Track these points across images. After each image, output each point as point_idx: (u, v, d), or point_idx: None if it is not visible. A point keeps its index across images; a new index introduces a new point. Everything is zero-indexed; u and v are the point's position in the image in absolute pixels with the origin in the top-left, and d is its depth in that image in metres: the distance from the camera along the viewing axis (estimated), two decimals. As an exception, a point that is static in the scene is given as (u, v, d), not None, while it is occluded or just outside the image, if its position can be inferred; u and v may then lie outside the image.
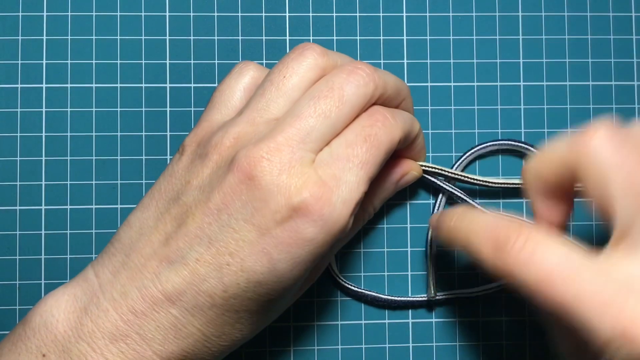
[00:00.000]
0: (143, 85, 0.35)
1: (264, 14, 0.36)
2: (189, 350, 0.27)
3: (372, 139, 0.28)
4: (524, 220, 0.29)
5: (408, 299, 0.35)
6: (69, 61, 0.35)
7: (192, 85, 0.36)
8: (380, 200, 0.33)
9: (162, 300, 0.26)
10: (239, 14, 0.36)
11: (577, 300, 0.23)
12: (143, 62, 0.35)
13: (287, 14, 0.36)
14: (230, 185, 0.26)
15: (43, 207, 0.35)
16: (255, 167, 0.26)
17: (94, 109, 0.35)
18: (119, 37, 0.35)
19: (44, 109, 0.35)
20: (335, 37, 0.36)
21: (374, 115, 0.29)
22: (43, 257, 0.35)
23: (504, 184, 0.35)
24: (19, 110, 0.35)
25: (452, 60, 0.36)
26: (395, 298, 0.35)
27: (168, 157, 0.35)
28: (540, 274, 0.24)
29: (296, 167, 0.26)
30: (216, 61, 0.36)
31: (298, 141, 0.27)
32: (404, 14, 0.36)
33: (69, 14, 0.35)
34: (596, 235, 0.36)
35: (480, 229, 0.27)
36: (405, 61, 0.36)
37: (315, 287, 0.35)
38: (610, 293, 0.23)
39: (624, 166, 0.25)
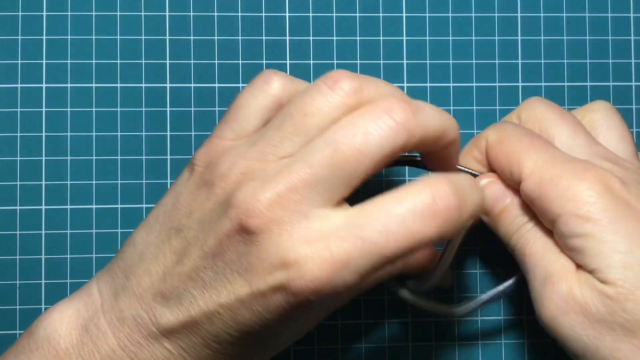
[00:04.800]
0: (143, 85, 0.35)
1: (264, 14, 0.36)
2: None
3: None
4: None
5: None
6: (68, 61, 0.35)
7: (192, 85, 0.36)
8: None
9: (156, 333, 0.26)
10: (239, 14, 0.36)
11: None
12: (143, 62, 0.35)
13: (287, 14, 0.36)
14: (226, 233, 0.25)
15: (43, 207, 0.35)
16: (253, 220, 0.24)
17: (94, 109, 0.35)
18: (119, 37, 0.35)
19: (44, 109, 0.35)
20: (335, 38, 0.36)
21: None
22: (43, 257, 0.35)
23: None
24: (19, 110, 0.35)
25: (451, 61, 0.36)
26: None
27: (168, 157, 0.35)
28: None
29: (299, 224, 0.24)
30: (216, 61, 0.36)
31: (304, 193, 0.24)
32: (404, 14, 0.36)
33: (69, 13, 0.35)
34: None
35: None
36: (405, 61, 0.36)
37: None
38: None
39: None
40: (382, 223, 0.24)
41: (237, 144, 0.27)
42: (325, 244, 0.24)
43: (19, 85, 0.35)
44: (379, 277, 0.25)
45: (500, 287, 0.31)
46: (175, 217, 0.27)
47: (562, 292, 0.27)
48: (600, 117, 0.31)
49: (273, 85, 0.28)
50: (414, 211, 0.24)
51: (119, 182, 0.35)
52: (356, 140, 0.24)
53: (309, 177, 0.24)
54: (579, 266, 0.27)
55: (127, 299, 0.27)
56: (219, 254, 0.25)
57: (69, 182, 0.35)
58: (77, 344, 0.27)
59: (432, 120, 0.26)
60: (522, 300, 0.36)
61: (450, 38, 0.36)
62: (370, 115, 0.24)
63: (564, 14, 0.37)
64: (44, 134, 0.35)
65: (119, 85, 0.35)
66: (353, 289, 0.24)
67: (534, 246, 0.29)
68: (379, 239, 0.24)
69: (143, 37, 0.36)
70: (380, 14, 0.36)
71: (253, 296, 0.24)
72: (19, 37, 0.35)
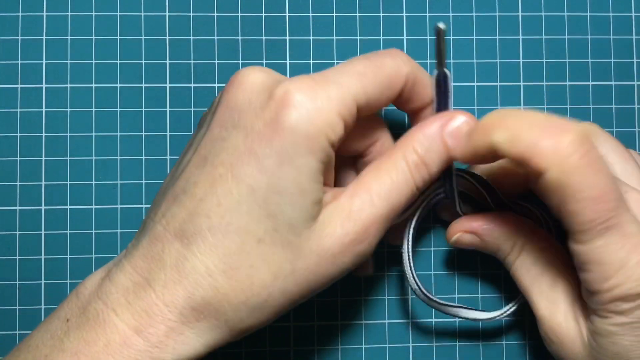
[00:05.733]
0: (143, 85, 0.35)
1: (264, 14, 0.36)
2: (192, 289, 0.26)
3: (376, 61, 0.28)
4: None
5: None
6: (68, 61, 0.35)
7: (192, 85, 0.36)
8: (428, 150, 0.28)
9: (166, 237, 0.26)
10: (239, 14, 0.36)
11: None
12: (143, 62, 0.35)
13: (287, 14, 0.36)
14: (221, 100, 0.27)
15: (43, 207, 0.35)
16: (242, 75, 0.27)
17: (94, 109, 0.35)
18: (118, 37, 0.35)
19: (44, 109, 0.35)
20: (335, 37, 0.36)
21: (388, 51, 0.29)
22: (43, 257, 0.35)
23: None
24: (19, 110, 0.35)
25: (452, 60, 0.36)
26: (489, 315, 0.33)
27: (168, 157, 0.35)
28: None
29: (285, 77, 0.27)
30: (216, 61, 0.36)
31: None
32: (404, 14, 0.36)
33: (69, 14, 0.35)
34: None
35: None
36: (405, 61, 0.36)
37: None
38: None
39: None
40: (349, 60, 0.29)
41: None
42: (308, 74, 0.27)
43: (19, 86, 0.35)
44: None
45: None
46: (197, 138, 0.29)
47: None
48: (600, 144, 0.31)
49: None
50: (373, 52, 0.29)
51: (119, 182, 0.35)
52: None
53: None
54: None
55: (145, 227, 0.27)
56: (218, 122, 0.27)
57: (68, 182, 0.35)
58: (97, 288, 0.27)
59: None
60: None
61: (451, 37, 0.36)
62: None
63: (565, 13, 0.37)
64: (44, 134, 0.35)
65: (119, 85, 0.35)
66: (345, 105, 0.27)
67: (520, 283, 0.31)
68: (347, 65, 0.28)
69: (143, 37, 0.36)
70: (380, 14, 0.36)
71: (247, 137, 0.26)
72: (19, 37, 0.35)
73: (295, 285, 0.27)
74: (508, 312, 0.33)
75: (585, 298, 0.28)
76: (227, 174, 0.26)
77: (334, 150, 0.27)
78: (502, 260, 0.32)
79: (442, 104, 0.30)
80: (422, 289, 0.32)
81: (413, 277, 0.32)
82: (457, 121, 0.28)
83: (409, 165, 0.28)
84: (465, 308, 0.33)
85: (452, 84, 0.29)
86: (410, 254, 0.31)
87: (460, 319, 0.35)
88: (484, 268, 0.36)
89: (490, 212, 0.32)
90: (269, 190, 0.26)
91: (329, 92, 0.26)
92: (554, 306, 0.30)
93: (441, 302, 0.32)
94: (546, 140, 0.25)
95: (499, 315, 0.33)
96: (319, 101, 0.26)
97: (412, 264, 0.31)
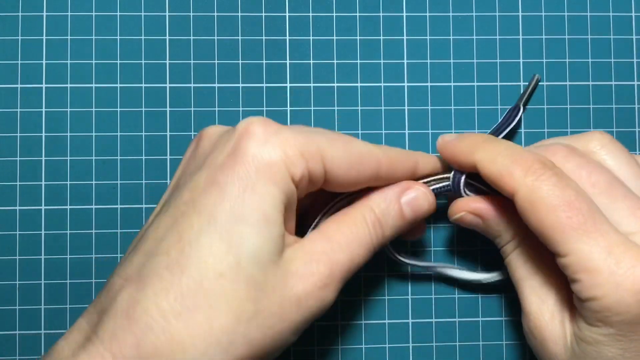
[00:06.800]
0: (143, 85, 0.35)
1: (263, 14, 0.36)
2: (142, 335, 0.23)
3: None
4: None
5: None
6: (68, 61, 0.35)
7: (192, 85, 0.36)
8: (385, 214, 0.30)
9: (121, 284, 0.25)
10: (239, 14, 0.36)
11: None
12: (143, 62, 0.35)
13: (287, 14, 0.36)
14: (188, 153, 0.29)
15: (43, 207, 0.35)
16: (204, 129, 0.29)
17: (94, 109, 0.35)
18: (118, 37, 0.35)
19: (43, 109, 0.35)
20: (335, 37, 0.36)
21: None
22: (43, 257, 0.35)
23: None
24: (19, 110, 0.35)
25: (452, 60, 0.36)
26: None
27: (168, 157, 0.35)
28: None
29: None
30: (216, 61, 0.36)
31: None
32: (404, 14, 0.36)
33: (69, 14, 0.35)
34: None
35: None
36: (405, 61, 0.36)
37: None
38: None
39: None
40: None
41: None
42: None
43: (19, 86, 0.35)
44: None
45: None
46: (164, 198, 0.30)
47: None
48: (601, 147, 0.31)
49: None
50: None
51: (119, 182, 0.35)
52: None
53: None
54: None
55: (104, 287, 0.26)
56: (186, 166, 0.29)
57: (68, 182, 0.35)
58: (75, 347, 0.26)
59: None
60: (522, 301, 0.35)
61: (451, 37, 0.36)
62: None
63: (565, 13, 0.37)
64: (44, 134, 0.35)
65: (119, 85, 0.35)
66: (300, 143, 0.27)
67: (514, 274, 0.31)
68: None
69: (143, 37, 0.36)
70: (381, 14, 0.36)
71: (210, 170, 0.26)
72: (19, 37, 0.35)
73: (259, 331, 0.25)
74: (495, 279, 0.34)
75: (577, 305, 0.28)
76: (189, 210, 0.25)
77: (296, 188, 0.27)
78: (499, 247, 0.32)
79: (499, 130, 0.34)
80: (392, 251, 0.33)
81: (389, 249, 0.33)
82: (415, 192, 0.30)
83: (367, 222, 0.29)
84: (450, 267, 0.34)
85: (520, 119, 0.32)
86: None
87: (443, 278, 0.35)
88: (484, 266, 0.36)
89: (497, 196, 0.31)
90: (232, 217, 0.25)
91: (293, 131, 0.27)
92: (542, 304, 0.30)
93: (417, 262, 0.34)
94: (516, 165, 0.28)
95: (485, 279, 0.34)
96: (281, 136, 0.26)
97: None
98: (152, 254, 0.25)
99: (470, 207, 0.31)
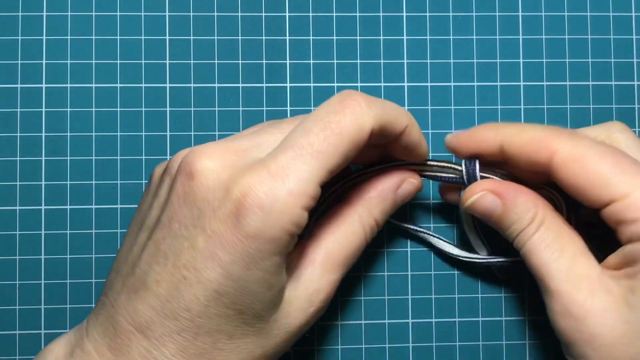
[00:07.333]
0: (143, 85, 0.35)
1: (263, 14, 0.36)
2: None
3: (334, 127, 0.26)
4: None
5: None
6: (68, 61, 0.35)
7: (192, 85, 0.36)
8: (381, 212, 0.31)
9: (133, 332, 0.26)
10: (239, 14, 0.36)
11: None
12: (143, 62, 0.35)
13: (287, 14, 0.36)
14: (176, 192, 0.26)
15: (43, 207, 0.35)
16: (195, 164, 0.25)
17: (94, 109, 0.35)
18: (118, 37, 0.35)
19: (43, 109, 0.35)
20: (335, 37, 0.36)
21: (344, 100, 0.27)
22: (43, 257, 0.35)
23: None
24: (19, 110, 0.35)
25: (452, 60, 0.36)
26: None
27: (168, 157, 0.35)
28: None
29: (240, 161, 0.25)
30: (216, 61, 0.36)
31: (248, 147, 0.26)
32: (404, 14, 0.36)
33: (69, 14, 0.35)
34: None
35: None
36: (405, 61, 0.36)
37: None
38: None
39: None
40: (303, 128, 0.26)
41: None
42: (269, 163, 0.25)
43: (19, 86, 0.35)
44: (324, 179, 0.26)
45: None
46: (140, 219, 0.28)
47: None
48: (625, 138, 0.30)
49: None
50: (328, 111, 0.26)
51: (119, 182, 0.35)
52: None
53: (254, 137, 0.27)
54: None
55: (105, 312, 0.27)
56: (174, 216, 0.26)
57: (68, 182, 0.35)
58: None
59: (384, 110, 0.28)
60: (523, 300, 0.35)
61: (451, 37, 0.36)
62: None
63: (565, 13, 0.37)
64: (44, 134, 0.35)
65: (119, 85, 0.35)
66: (309, 195, 0.25)
67: (536, 258, 0.29)
68: (303, 141, 0.26)
69: (143, 37, 0.36)
70: (381, 14, 0.36)
71: (209, 239, 0.25)
72: (19, 37, 0.35)
73: None
74: (489, 262, 0.34)
75: (633, 253, 0.27)
76: (191, 278, 0.25)
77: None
78: (515, 236, 0.30)
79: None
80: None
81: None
82: (409, 185, 0.31)
83: (363, 226, 0.30)
84: (441, 239, 0.35)
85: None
86: None
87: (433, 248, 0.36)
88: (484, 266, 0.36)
89: (511, 181, 0.31)
90: (237, 293, 0.25)
91: (288, 186, 0.25)
92: (578, 279, 0.28)
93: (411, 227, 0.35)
94: (549, 130, 0.28)
95: (466, 257, 0.34)
96: (280, 202, 0.24)
97: None
98: (160, 313, 0.26)
99: (490, 186, 0.30)
